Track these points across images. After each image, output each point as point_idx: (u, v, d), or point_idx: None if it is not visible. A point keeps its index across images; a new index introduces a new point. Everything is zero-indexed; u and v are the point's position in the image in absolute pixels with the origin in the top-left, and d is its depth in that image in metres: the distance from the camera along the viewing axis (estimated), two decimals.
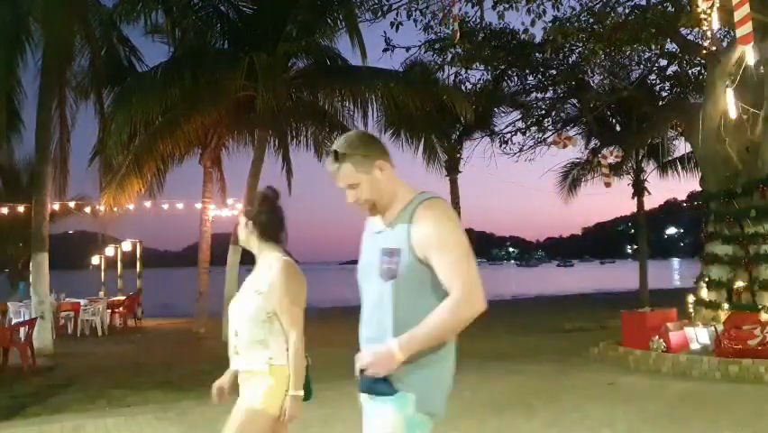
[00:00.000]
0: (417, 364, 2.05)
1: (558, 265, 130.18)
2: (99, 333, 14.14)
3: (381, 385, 2.07)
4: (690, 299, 9.82)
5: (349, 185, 2.18)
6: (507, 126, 18.46)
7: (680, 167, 20.40)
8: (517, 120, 18.15)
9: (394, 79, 12.93)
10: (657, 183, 23.34)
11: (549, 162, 33.99)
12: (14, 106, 12.79)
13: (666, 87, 16.27)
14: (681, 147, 19.10)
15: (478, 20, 12.65)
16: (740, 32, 6.32)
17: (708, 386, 7.20)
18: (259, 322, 2.75)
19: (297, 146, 15.62)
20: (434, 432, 2.10)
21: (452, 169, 18.49)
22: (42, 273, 11.33)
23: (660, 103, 15.79)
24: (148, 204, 16.23)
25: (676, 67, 14.78)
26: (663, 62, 14.84)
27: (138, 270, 19.21)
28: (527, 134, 18.13)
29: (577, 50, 13.44)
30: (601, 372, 8.18)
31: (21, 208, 16.16)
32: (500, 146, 18.53)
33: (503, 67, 15.28)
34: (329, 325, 17.37)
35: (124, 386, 7.95)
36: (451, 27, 9.25)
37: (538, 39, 11.79)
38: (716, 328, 8.08)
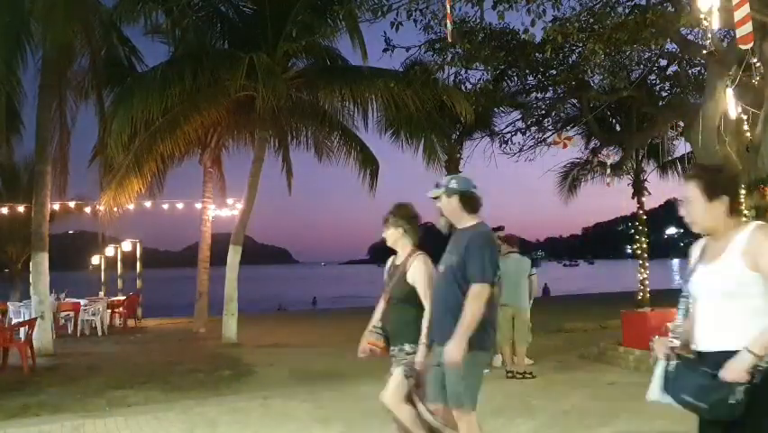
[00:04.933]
0: None
1: (564, 265, 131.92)
2: (99, 333, 14.15)
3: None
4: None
5: None
6: (507, 126, 18.44)
7: (680, 167, 20.36)
8: (517, 120, 18.13)
9: (394, 79, 12.91)
10: (657, 183, 23.34)
11: (549, 162, 33.97)
12: (14, 106, 12.77)
13: (666, 87, 16.25)
14: (681, 147, 19.08)
15: (478, 20, 12.64)
16: (740, 32, 6.30)
17: None
18: None
19: (297, 146, 15.65)
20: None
21: (452, 169, 18.45)
22: (42, 273, 11.32)
23: (660, 103, 15.77)
24: (148, 204, 16.24)
25: (676, 67, 14.76)
26: (663, 62, 14.83)
27: (138, 270, 19.22)
28: (527, 134, 18.10)
29: (577, 50, 13.42)
30: (601, 372, 8.18)
31: (21, 208, 16.18)
32: (500, 146, 18.51)
33: (503, 67, 15.25)
34: (330, 326, 17.39)
35: (124, 386, 7.96)
36: (446, 27, 9.24)
37: (538, 39, 11.75)
38: None
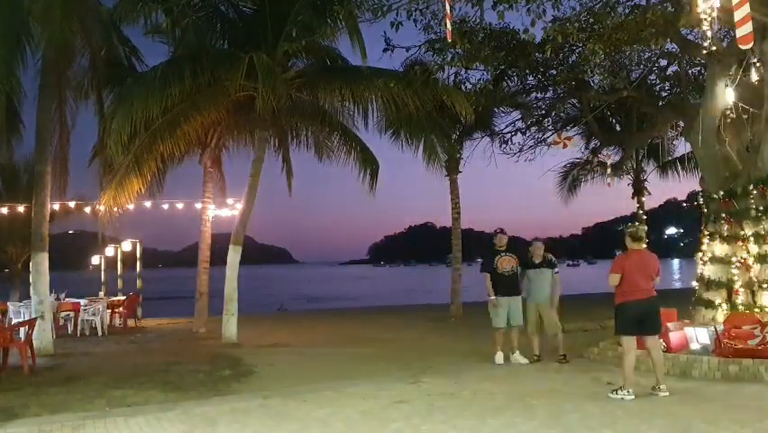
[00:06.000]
0: None
1: (567, 265, 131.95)
2: (99, 333, 14.14)
3: None
4: (690, 299, 9.83)
5: None
6: (507, 126, 18.47)
7: (680, 167, 20.40)
8: (517, 120, 18.16)
9: (394, 79, 12.90)
10: (657, 183, 23.39)
11: (549, 162, 34.01)
12: (14, 106, 12.76)
13: (666, 87, 16.25)
14: (681, 147, 19.11)
15: (478, 20, 12.63)
16: (740, 32, 6.31)
17: (708, 386, 7.20)
18: None
19: (297, 146, 15.65)
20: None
21: (452, 169, 18.48)
22: (42, 273, 11.31)
23: (660, 103, 15.77)
24: (148, 204, 16.23)
25: (676, 67, 14.77)
26: (663, 62, 14.83)
27: (138, 270, 19.22)
28: (527, 134, 18.13)
29: (577, 50, 13.43)
30: (601, 372, 8.18)
31: (21, 208, 16.17)
32: (500, 146, 18.55)
33: (503, 67, 15.25)
34: (329, 326, 17.39)
35: (124, 386, 7.95)
36: (446, 26, 9.24)
37: (538, 39, 11.75)
38: (716, 328, 8.08)
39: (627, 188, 19.82)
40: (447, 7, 7.14)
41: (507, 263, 9.30)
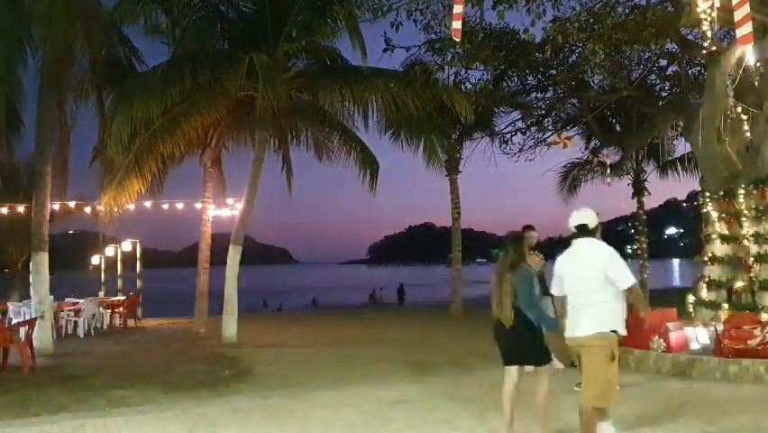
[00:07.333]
0: None
1: None
2: (92, 333, 14.12)
3: None
4: (690, 299, 9.82)
5: None
6: (507, 126, 18.48)
7: (680, 167, 20.38)
8: (517, 120, 18.16)
9: (394, 79, 12.91)
10: (657, 183, 23.35)
11: (549, 162, 33.96)
12: (14, 106, 12.77)
13: (666, 87, 16.25)
14: (681, 147, 19.10)
15: (478, 20, 12.64)
16: (740, 32, 6.31)
17: (708, 386, 7.20)
18: None
19: (297, 146, 15.65)
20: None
21: (452, 169, 18.48)
22: (42, 273, 11.31)
23: (660, 103, 15.77)
24: (148, 204, 16.23)
25: (676, 67, 14.77)
26: (663, 62, 14.84)
27: (138, 270, 19.23)
28: (527, 134, 18.13)
29: (577, 51, 13.44)
30: None
31: (21, 208, 16.17)
32: (500, 146, 18.55)
33: (503, 67, 15.26)
34: (329, 326, 17.40)
35: (124, 386, 7.95)
36: (449, 27, 9.23)
37: (538, 39, 11.76)
38: (716, 328, 8.08)
39: (627, 188, 19.81)
40: (458, 7, 7.06)
41: None
